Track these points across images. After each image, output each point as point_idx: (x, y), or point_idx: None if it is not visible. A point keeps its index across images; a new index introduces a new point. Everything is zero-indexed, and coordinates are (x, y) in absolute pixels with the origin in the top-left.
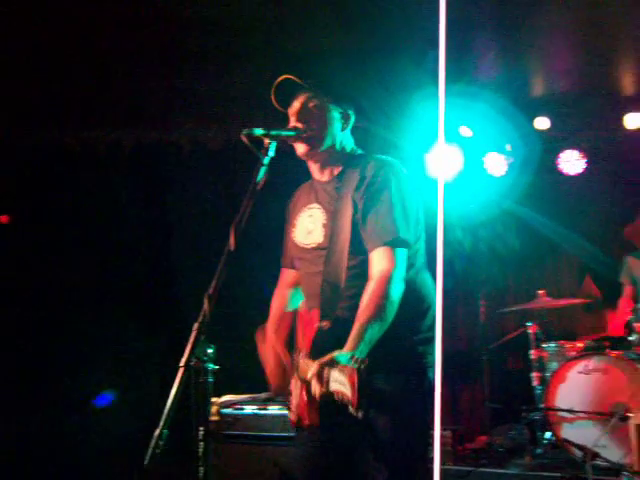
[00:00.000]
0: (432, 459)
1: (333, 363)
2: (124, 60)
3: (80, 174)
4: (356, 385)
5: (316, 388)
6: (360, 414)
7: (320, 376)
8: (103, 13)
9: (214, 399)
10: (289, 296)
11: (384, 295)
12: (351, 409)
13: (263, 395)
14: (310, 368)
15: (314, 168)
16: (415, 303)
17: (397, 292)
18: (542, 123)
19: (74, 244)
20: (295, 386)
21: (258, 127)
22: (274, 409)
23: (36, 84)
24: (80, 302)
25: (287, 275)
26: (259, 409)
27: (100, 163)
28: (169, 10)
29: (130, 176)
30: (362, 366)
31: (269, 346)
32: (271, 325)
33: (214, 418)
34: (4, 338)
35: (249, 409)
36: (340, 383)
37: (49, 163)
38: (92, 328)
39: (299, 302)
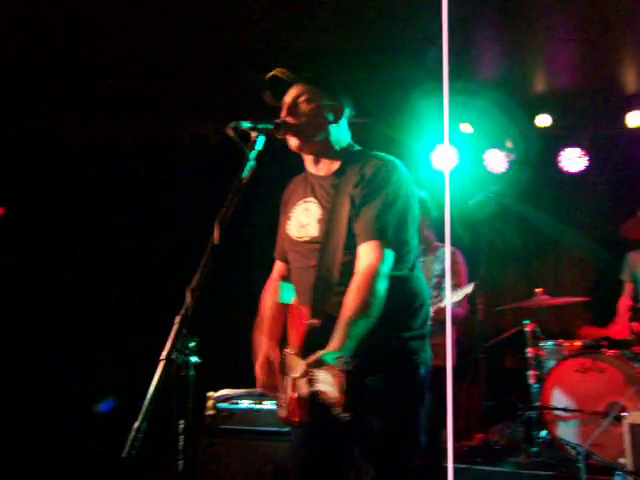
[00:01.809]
0: (437, 456)
1: (320, 363)
2: (127, 55)
3: (80, 167)
4: (343, 387)
5: (303, 388)
6: (347, 416)
7: (306, 376)
8: (105, 11)
9: (210, 393)
10: (280, 291)
11: (369, 290)
12: (336, 411)
13: (259, 390)
14: (298, 366)
15: (308, 160)
16: (408, 300)
17: (382, 287)
18: (543, 120)
19: (71, 237)
20: (286, 383)
21: (246, 120)
22: (270, 404)
23: (36, 76)
24: (79, 294)
25: (279, 267)
26: (255, 404)
27: (101, 156)
28: (172, 7)
29: (130, 170)
30: (350, 367)
31: (260, 340)
32: (264, 319)
33: (210, 412)
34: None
35: (245, 404)
36: (326, 384)
37: (49, 155)
38: (91, 321)
39: (290, 296)
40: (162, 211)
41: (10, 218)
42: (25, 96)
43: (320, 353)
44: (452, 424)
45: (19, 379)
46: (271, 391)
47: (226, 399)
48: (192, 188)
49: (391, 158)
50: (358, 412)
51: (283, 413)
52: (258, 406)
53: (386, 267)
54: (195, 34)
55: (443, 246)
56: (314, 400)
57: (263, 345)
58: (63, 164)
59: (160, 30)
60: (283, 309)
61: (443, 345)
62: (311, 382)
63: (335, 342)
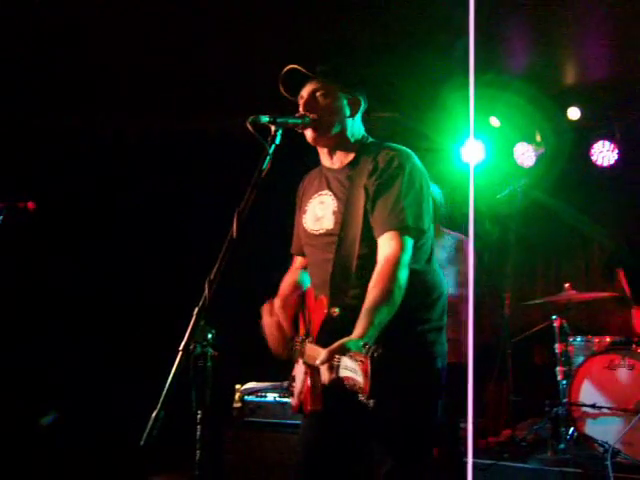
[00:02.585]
0: (460, 452)
1: (344, 350)
2: (148, 51)
3: (104, 161)
4: (369, 373)
5: (325, 375)
6: (372, 403)
7: (330, 363)
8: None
9: (237, 386)
10: (299, 275)
11: (391, 279)
12: (362, 397)
13: (285, 383)
14: (318, 354)
15: (323, 154)
16: (426, 292)
17: (404, 276)
18: (573, 113)
19: (99, 228)
20: (299, 371)
21: (265, 114)
22: (287, 394)
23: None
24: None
25: (299, 261)
26: (281, 397)
27: (127, 151)
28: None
29: (152, 164)
30: (375, 354)
31: (275, 319)
32: (280, 299)
33: (236, 405)
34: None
35: (271, 396)
36: (351, 370)
37: (74, 148)
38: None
39: (308, 283)
40: (183, 204)
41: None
42: (44, 90)
43: (344, 340)
44: (473, 419)
45: (43, 364)
46: (278, 348)
47: (253, 392)
48: (213, 181)
49: (404, 149)
50: (378, 401)
51: (295, 401)
52: (284, 399)
53: (407, 256)
54: (214, 30)
55: (449, 233)
56: (330, 389)
57: (278, 323)
58: (86, 158)
59: (181, 27)
60: (300, 289)
61: (452, 340)
62: (335, 369)
63: (359, 330)
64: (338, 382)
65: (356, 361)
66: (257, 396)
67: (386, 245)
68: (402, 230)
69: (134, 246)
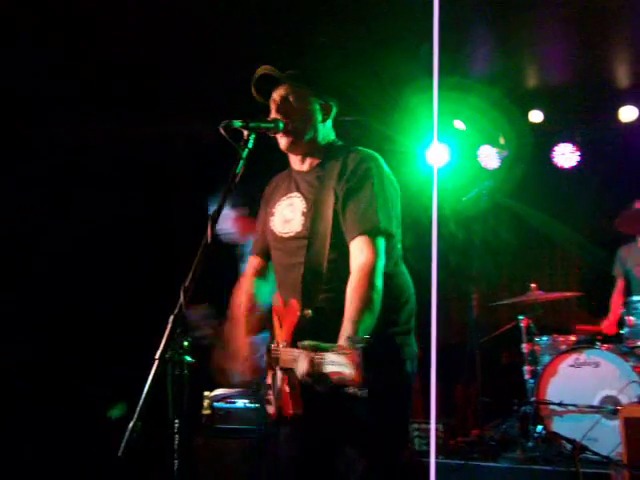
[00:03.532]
0: (425, 452)
1: (326, 347)
2: (117, 53)
3: (72, 167)
4: (359, 364)
5: (305, 370)
6: (364, 392)
7: (312, 360)
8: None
9: (206, 393)
10: (254, 287)
11: (370, 286)
12: (352, 389)
13: (254, 389)
14: (295, 356)
15: (295, 159)
16: (393, 295)
17: (381, 282)
18: (536, 116)
19: (65, 237)
20: (274, 378)
21: (238, 119)
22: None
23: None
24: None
25: (254, 263)
26: (251, 403)
27: (95, 157)
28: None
29: (122, 170)
30: (362, 345)
31: (237, 337)
32: (239, 316)
33: (206, 412)
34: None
35: (241, 403)
36: (338, 365)
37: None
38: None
39: (265, 295)
40: (155, 210)
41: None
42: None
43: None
44: (443, 419)
45: (13, 379)
46: (254, 385)
47: (222, 398)
48: (186, 186)
49: (372, 152)
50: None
51: (272, 409)
52: (254, 405)
53: (382, 261)
54: (184, 33)
55: None
56: (321, 384)
57: (242, 341)
58: (52, 165)
59: (151, 30)
60: (259, 305)
61: None
62: (318, 365)
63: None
64: (322, 378)
65: (343, 354)
66: (226, 402)
67: (360, 251)
68: (375, 234)
69: (107, 253)
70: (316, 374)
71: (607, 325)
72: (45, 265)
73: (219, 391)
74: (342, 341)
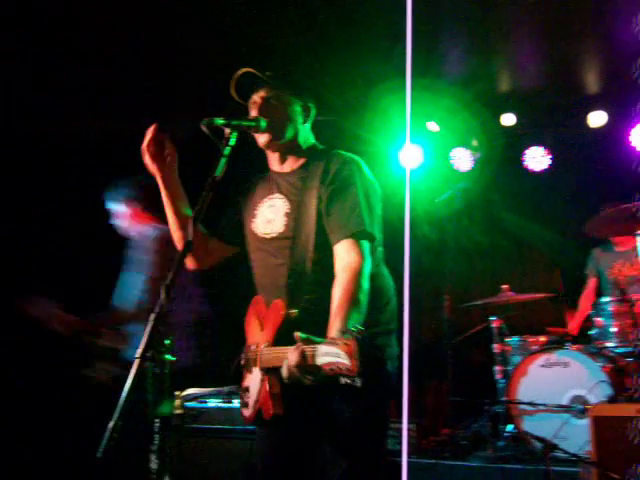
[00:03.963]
0: (397, 452)
1: (318, 341)
2: (94, 48)
3: (47, 165)
4: (355, 353)
5: (296, 362)
6: (359, 382)
7: (303, 352)
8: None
9: (177, 392)
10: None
11: (358, 287)
12: (347, 380)
13: (227, 388)
14: (284, 353)
15: (273, 159)
16: (375, 296)
17: (367, 284)
18: (508, 119)
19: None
20: (254, 380)
21: (219, 117)
22: (238, 402)
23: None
24: None
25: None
26: (223, 402)
27: (66, 153)
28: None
29: (100, 167)
30: (359, 335)
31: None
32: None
33: (178, 411)
34: None
35: (213, 402)
36: (333, 355)
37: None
38: None
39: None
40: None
41: None
42: None
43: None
44: (413, 419)
45: None
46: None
47: (194, 398)
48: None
49: (355, 156)
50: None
51: (249, 411)
52: (227, 405)
53: (368, 263)
54: (161, 30)
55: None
56: (314, 374)
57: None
58: (27, 163)
59: (129, 26)
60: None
61: None
62: (309, 358)
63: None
64: (312, 370)
65: (337, 345)
66: (199, 402)
67: (347, 253)
68: (360, 236)
69: (86, 251)
70: (307, 366)
71: (572, 326)
72: None
73: (190, 391)
74: (333, 334)
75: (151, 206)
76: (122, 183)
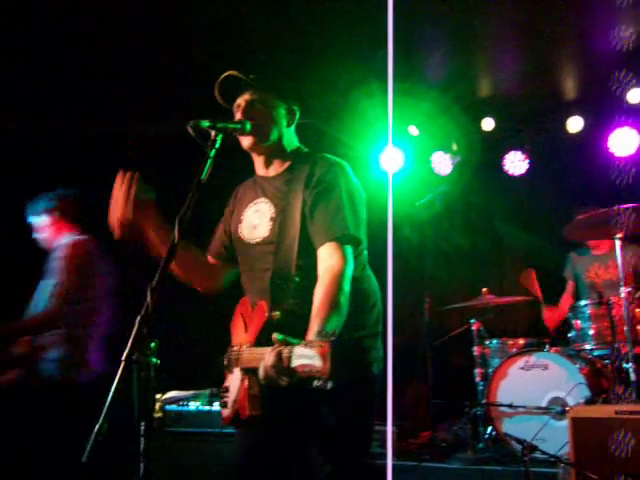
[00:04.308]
0: (379, 454)
1: (296, 342)
2: (84, 52)
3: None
4: (328, 356)
5: (273, 363)
6: (329, 385)
7: (280, 353)
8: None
9: (157, 395)
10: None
11: (339, 290)
12: (318, 382)
13: (207, 391)
14: (262, 354)
15: (259, 162)
16: (361, 299)
17: (349, 287)
18: (487, 124)
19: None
20: (234, 380)
21: (205, 119)
22: (218, 405)
23: None
24: None
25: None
26: (203, 405)
27: (58, 155)
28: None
29: (89, 169)
30: (332, 338)
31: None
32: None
33: (157, 415)
34: None
35: (193, 405)
36: (307, 357)
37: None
38: None
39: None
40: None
41: None
42: None
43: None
44: (393, 422)
45: None
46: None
47: (174, 401)
48: (153, 186)
49: (339, 160)
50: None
51: (228, 412)
52: (207, 408)
53: (350, 267)
54: (146, 34)
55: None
56: (289, 376)
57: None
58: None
59: (117, 29)
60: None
61: None
62: (285, 360)
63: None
64: (288, 372)
65: (312, 347)
66: (179, 405)
67: (329, 257)
68: (343, 240)
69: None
70: (283, 368)
71: (549, 327)
72: None
73: (171, 394)
74: (311, 336)
75: (71, 216)
76: (42, 196)
